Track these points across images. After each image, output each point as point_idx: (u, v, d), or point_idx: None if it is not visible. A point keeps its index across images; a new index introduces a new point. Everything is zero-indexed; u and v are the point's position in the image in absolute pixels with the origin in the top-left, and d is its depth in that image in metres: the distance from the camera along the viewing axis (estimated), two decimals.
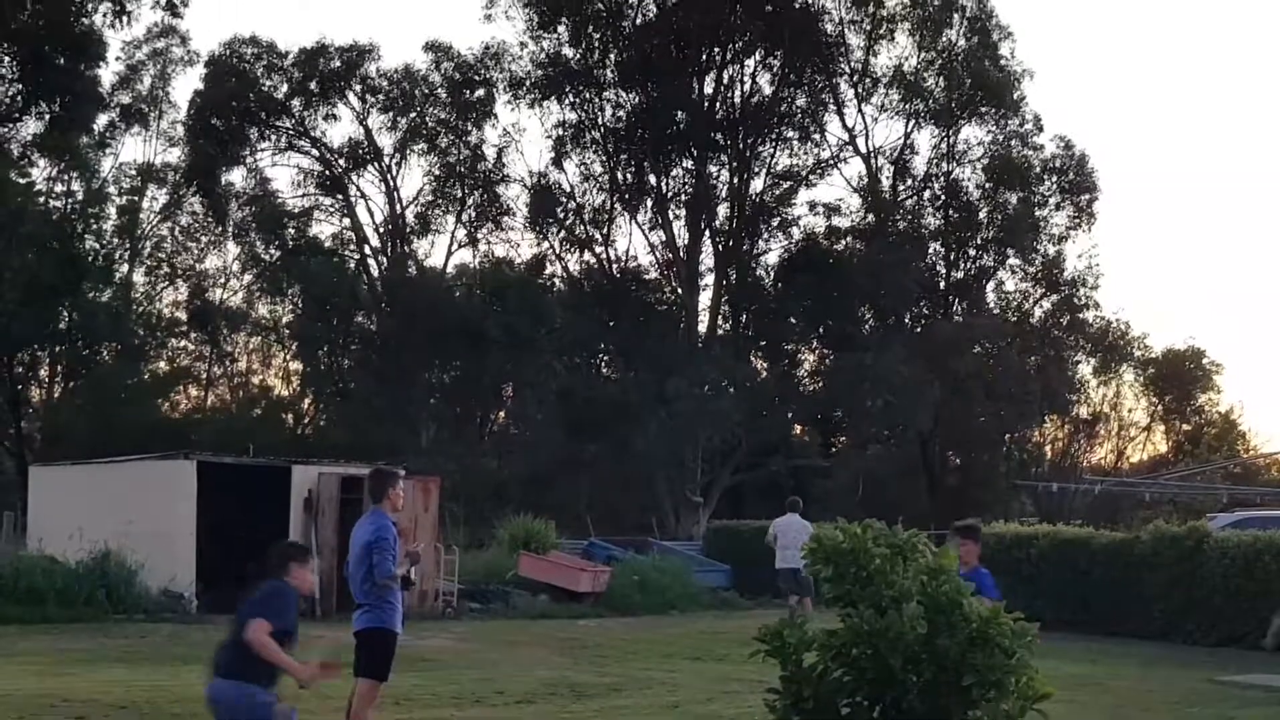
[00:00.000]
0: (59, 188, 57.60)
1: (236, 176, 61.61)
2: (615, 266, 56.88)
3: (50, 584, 24.67)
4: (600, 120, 55.39)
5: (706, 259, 56.12)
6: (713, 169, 55.42)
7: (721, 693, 16.85)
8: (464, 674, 18.22)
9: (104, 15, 48.72)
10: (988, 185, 55.97)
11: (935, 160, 56.15)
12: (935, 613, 8.45)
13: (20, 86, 48.87)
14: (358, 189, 61.72)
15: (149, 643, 21.56)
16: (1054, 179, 55.84)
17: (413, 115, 59.97)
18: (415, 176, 63.31)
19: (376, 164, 60.94)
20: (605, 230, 56.85)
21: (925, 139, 56.18)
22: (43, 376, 63.97)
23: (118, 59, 56.13)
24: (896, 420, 52.95)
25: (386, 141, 60.60)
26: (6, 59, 48.70)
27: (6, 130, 49.58)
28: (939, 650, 8.37)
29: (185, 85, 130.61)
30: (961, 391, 52.89)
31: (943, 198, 56.52)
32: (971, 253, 57.29)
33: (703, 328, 55.88)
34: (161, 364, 64.95)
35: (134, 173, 61.74)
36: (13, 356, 60.66)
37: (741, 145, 54.86)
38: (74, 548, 25.63)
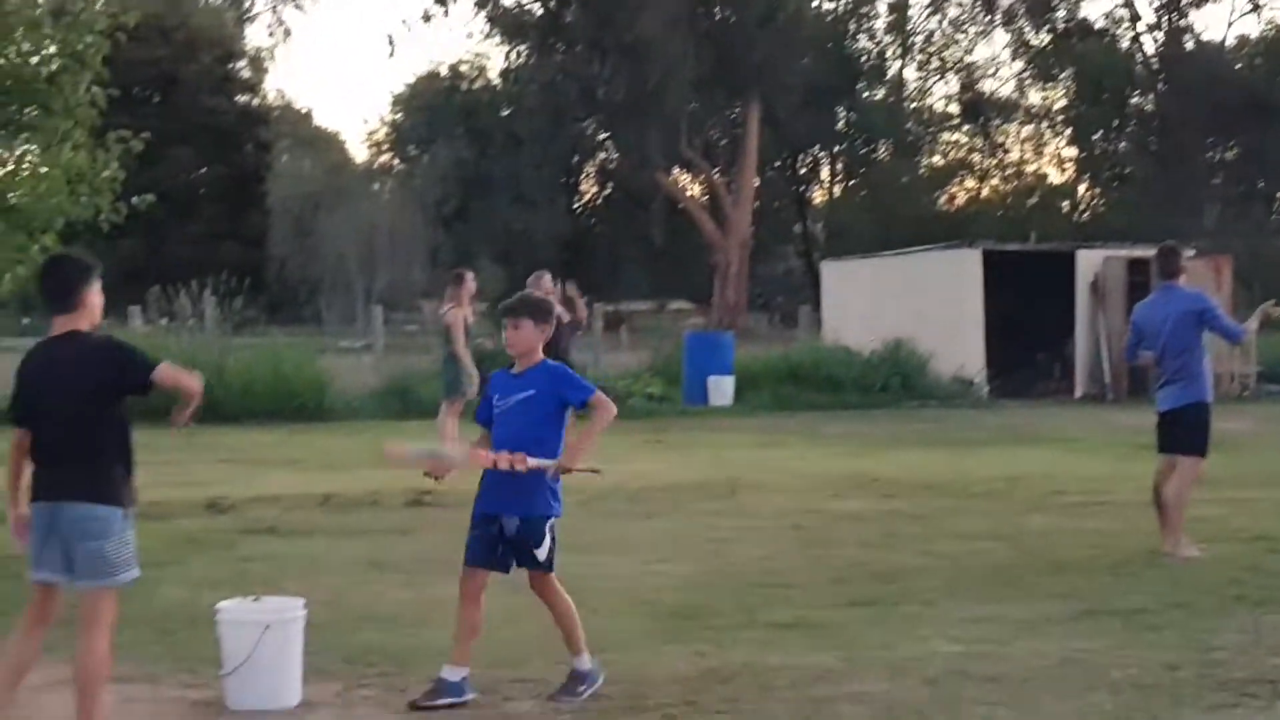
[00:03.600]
0: None
1: None
2: None
3: (847, 373, 25.82)
4: None
5: None
6: None
7: None
8: (1270, 456, 17.51)
9: None
10: None
11: None
12: None
13: None
14: None
15: (943, 427, 22.11)
16: None
17: None
18: None
19: None
20: None
21: None
22: (823, 177, 66.39)
23: None
24: None
25: None
26: None
27: None
28: None
29: None
30: None
31: None
32: None
33: None
34: (935, 158, 65.80)
35: None
36: (796, 159, 63.41)
37: None
38: (867, 338, 26.63)
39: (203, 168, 62.89)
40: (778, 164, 62.95)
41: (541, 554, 6.94)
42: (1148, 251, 28.21)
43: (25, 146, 11.81)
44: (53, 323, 6.11)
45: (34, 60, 11.34)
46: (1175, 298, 10.90)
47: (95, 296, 6.13)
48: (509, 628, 8.25)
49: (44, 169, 11.52)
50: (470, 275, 17.19)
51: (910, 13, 62.96)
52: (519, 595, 9.08)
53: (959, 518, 12.51)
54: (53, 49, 11.46)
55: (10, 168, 11.78)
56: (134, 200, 11.90)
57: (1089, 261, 27.86)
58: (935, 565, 10.23)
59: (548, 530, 6.93)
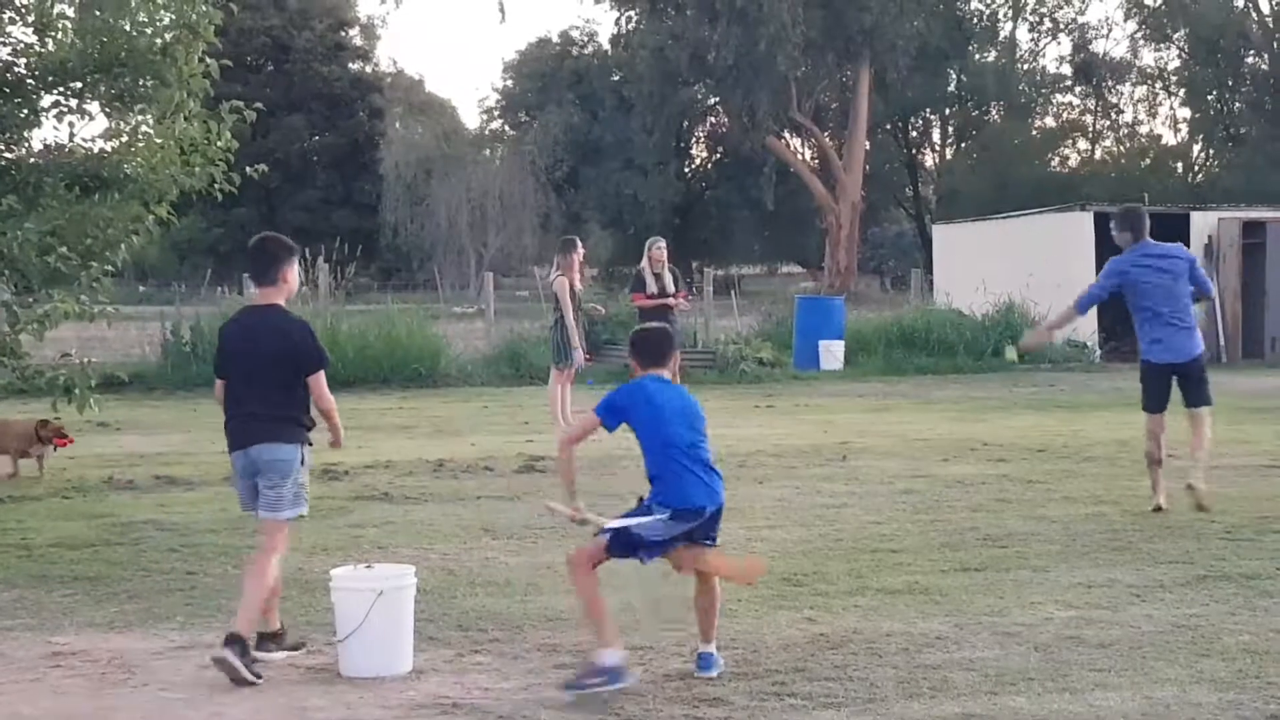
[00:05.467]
0: None
1: None
2: None
3: (959, 336, 25.64)
4: None
5: None
6: None
7: None
8: None
9: None
10: None
11: None
12: None
13: None
14: None
15: (1055, 391, 21.93)
16: None
17: None
18: None
19: None
20: None
21: None
22: (935, 140, 65.83)
23: None
24: None
25: None
26: None
27: None
28: None
29: None
30: None
31: None
32: None
33: None
34: (1048, 120, 65.03)
35: None
36: (907, 122, 62.93)
37: None
38: (979, 301, 26.41)
39: (315, 135, 63.57)
40: (888, 127, 62.53)
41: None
42: (1263, 213, 27.95)
43: (139, 118, 11.97)
44: (257, 293, 7.28)
45: (148, 31, 11.48)
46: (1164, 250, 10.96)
47: (293, 274, 7.26)
48: (613, 595, 8.30)
49: (158, 140, 11.68)
50: (580, 243, 17.21)
51: None
52: (620, 564, 9.15)
53: (1071, 482, 12.41)
54: (166, 20, 11.59)
55: (125, 139, 11.93)
56: (248, 169, 12.04)
57: (1203, 223, 27.50)
58: (1046, 530, 10.15)
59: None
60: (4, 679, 6.78)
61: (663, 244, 17.86)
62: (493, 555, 9.49)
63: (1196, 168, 62.55)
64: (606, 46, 61.65)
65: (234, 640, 6.66)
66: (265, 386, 7.03)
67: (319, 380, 7.14)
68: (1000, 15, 63.14)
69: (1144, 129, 66.58)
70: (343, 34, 66.66)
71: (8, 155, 11.93)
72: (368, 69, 68.25)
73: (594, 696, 6.30)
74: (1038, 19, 64.14)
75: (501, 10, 51.77)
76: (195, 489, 12.30)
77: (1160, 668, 6.77)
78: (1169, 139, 65.92)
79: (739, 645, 7.19)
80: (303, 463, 7.09)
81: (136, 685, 6.67)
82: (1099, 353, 26.89)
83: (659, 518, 6.66)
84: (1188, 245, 27.15)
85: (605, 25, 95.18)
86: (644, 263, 17.64)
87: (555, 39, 63.26)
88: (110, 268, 11.75)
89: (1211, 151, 62.32)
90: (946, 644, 7.21)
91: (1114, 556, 9.25)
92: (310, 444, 7.17)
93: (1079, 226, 27.66)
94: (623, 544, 6.68)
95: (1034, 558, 9.21)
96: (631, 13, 55.87)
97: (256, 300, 7.29)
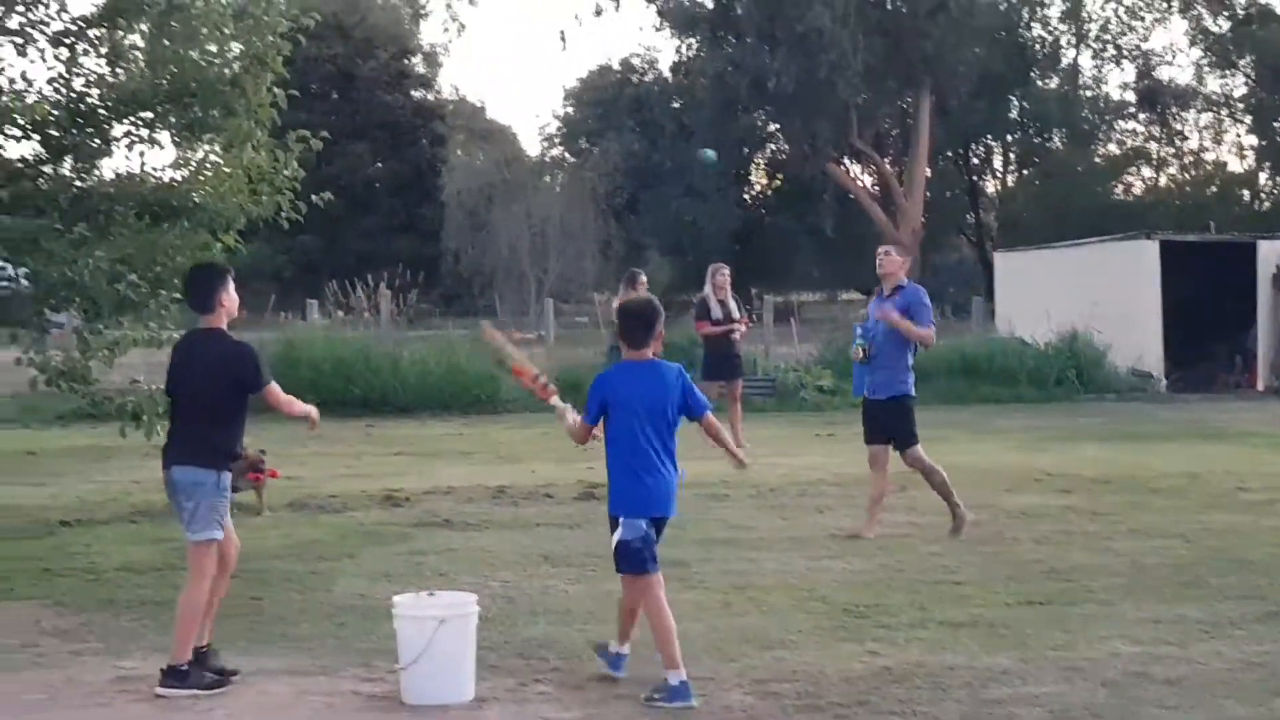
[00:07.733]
0: None
1: None
2: None
3: (1022, 365, 25.43)
4: None
5: None
6: None
7: None
8: None
9: None
10: None
11: None
12: None
13: None
14: None
15: (1120, 421, 21.72)
16: None
17: None
18: None
19: None
20: None
21: None
22: (996, 167, 65.52)
23: None
24: None
25: None
26: None
27: None
28: None
29: None
30: None
31: None
32: None
33: None
34: (1111, 147, 64.56)
35: None
36: (968, 148, 62.68)
37: None
38: (1041, 330, 26.23)
39: (378, 163, 63.91)
40: (949, 154, 62.27)
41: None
42: None
43: (208, 147, 12.08)
44: (199, 319, 7.40)
45: (217, 62, 11.59)
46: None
47: (229, 298, 7.35)
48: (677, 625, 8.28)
49: (226, 169, 11.79)
50: (643, 277, 17.26)
51: (1085, 0, 61.83)
52: (684, 592, 9.14)
53: (1137, 514, 12.28)
54: (235, 51, 11.70)
55: (194, 168, 12.04)
56: (313, 197, 12.13)
57: (1270, 252, 27.18)
58: (1113, 564, 10.06)
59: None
60: (72, 703, 6.84)
61: (726, 270, 17.75)
62: (552, 583, 9.50)
63: (1263, 195, 61.88)
64: (667, 74, 61.70)
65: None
66: (195, 409, 7.27)
67: (273, 393, 7.27)
68: (1063, 42, 62.83)
69: (1209, 156, 65.95)
70: (406, 62, 67.08)
71: (79, 184, 12.04)
72: (430, 96, 68.62)
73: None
74: (1101, 46, 63.69)
75: (563, 38, 52.14)
76: (260, 514, 12.36)
77: (1230, 706, 6.70)
78: (1235, 166, 65.30)
79: (800, 678, 7.16)
80: (219, 488, 7.18)
81: (201, 711, 6.71)
82: (1164, 382, 26.64)
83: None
84: (1254, 274, 27.07)
85: (666, 53, 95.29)
86: (707, 289, 17.52)
87: (616, 66, 63.38)
88: (178, 295, 11.83)
89: (1279, 179, 61.71)
90: (1011, 679, 7.16)
91: (1182, 591, 9.16)
92: (229, 470, 7.28)
93: (1145, 255, 27.40)
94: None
95: (1100, 592, 9.13)
96: (692, 40, 55.96)
97: (200, 324, 7.44)
